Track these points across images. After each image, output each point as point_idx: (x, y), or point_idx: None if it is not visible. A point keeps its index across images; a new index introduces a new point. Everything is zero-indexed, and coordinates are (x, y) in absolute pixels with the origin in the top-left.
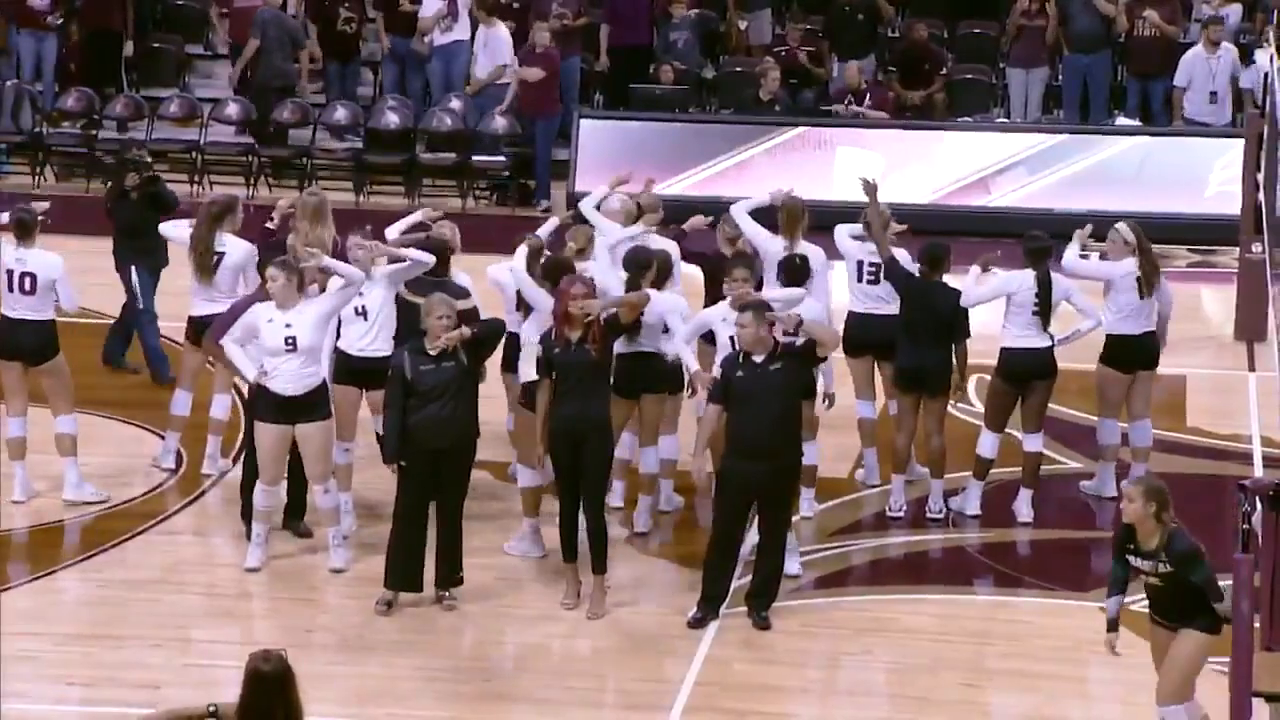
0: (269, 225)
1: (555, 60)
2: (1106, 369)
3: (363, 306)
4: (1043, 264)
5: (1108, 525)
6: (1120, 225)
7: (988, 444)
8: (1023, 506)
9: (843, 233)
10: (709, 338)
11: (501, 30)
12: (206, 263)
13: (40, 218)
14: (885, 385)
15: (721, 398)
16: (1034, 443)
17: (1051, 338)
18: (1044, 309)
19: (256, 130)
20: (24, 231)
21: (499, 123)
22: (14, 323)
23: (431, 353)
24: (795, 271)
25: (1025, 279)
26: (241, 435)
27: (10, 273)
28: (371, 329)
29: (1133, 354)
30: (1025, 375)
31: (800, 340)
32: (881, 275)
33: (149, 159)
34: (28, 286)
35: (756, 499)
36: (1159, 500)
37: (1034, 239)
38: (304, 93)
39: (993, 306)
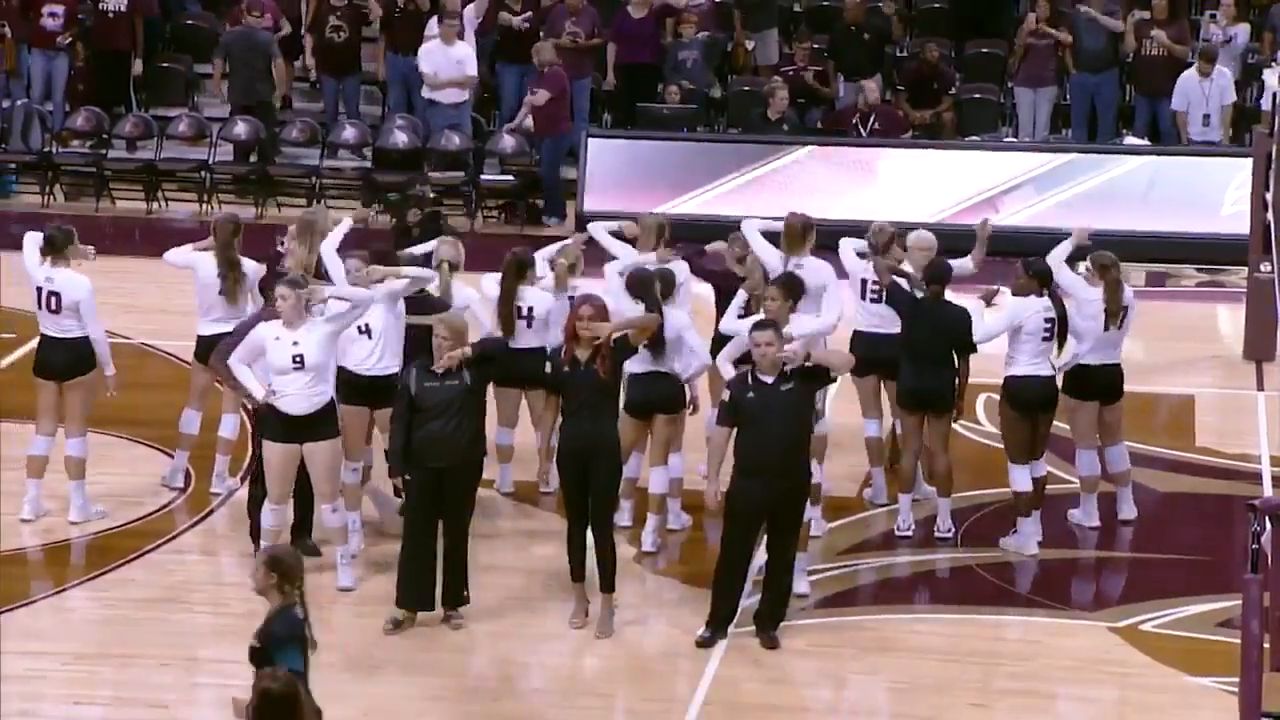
0: (280, 248)
1: (563, 79)
2: (1069, 399)
3: (366, 325)
4: (1050, 288)
5: (1117, 546)
6: (1091, 254)
7: (1020, 478)
8: (1034, 541)
9: (847, 249)
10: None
11: (466, 49)
12: (236, 280)
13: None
14: (892, 404)
15: (731, 419)
16: (1039, 468)
17: (1052, 366)
18: (1059, 335)
19: (263, 149)
20: (52, 249)
21: (507, 142)
22: (49, 341)
23: (436, 371)
24: (790, 289)
25: (1034, 306)
26: (250, 454)
27: (40, 290)
28: (376, 347)
29: (1094, 383)
30: (1032, 405)
31: (810, 360)
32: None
33: (432, 194)
34: (54, 306)
35: (766, 519)
36: (280, 570)
37: (1035, 263)
38: (280, 106)
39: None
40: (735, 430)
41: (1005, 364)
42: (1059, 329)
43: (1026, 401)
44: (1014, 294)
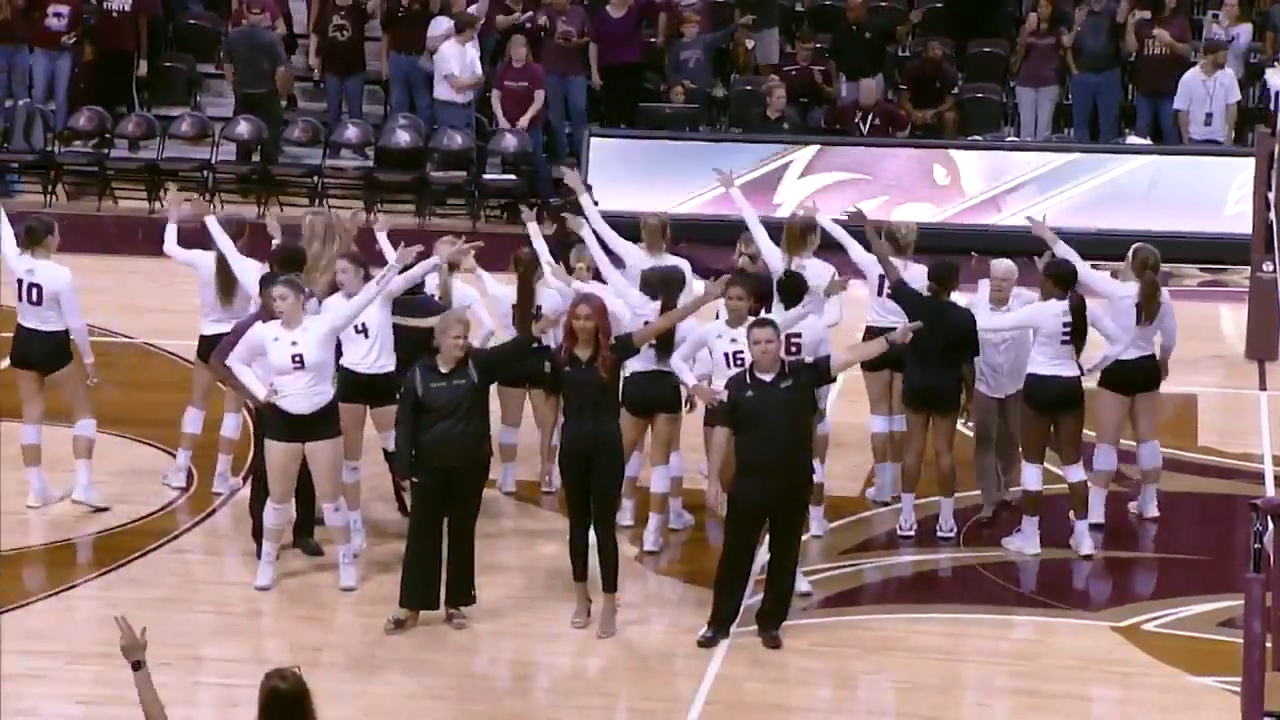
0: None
1: (538, 74)
2: (1104, 391)
3: (362, 324)
4: (1070, 290)
5: (1120, 545)
6: (1134, 247)
7: (1032, 477)
8: (1084, 540)
9: (855, 244)
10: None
11: (474, 50)
12: (231, 284)
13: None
14: (895, 401)
15: (731, 419)
16: (1076, 473)
17: (1080, 367)
18: (1078, 337)
19: (265, 149)
20: (32, 240)
21: (509, 141)
22: (27, 332)
23: (443, 370)
24: (788, 290)
25: (1054, 309)
26: (251, 454)
27: (20, 282)
28: (373, 346)
29: (1130, 378)
30: (1054, 405)
31: (809, 357)
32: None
33: (595, 202)
34: (34, 297)
35: (768, 518)
36: None
37: (1059, 264)
38: (282, 106)
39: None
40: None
41: (1029, 363)
42: (1077, 333)
43: (1045, 401)
44: (1041, 296)
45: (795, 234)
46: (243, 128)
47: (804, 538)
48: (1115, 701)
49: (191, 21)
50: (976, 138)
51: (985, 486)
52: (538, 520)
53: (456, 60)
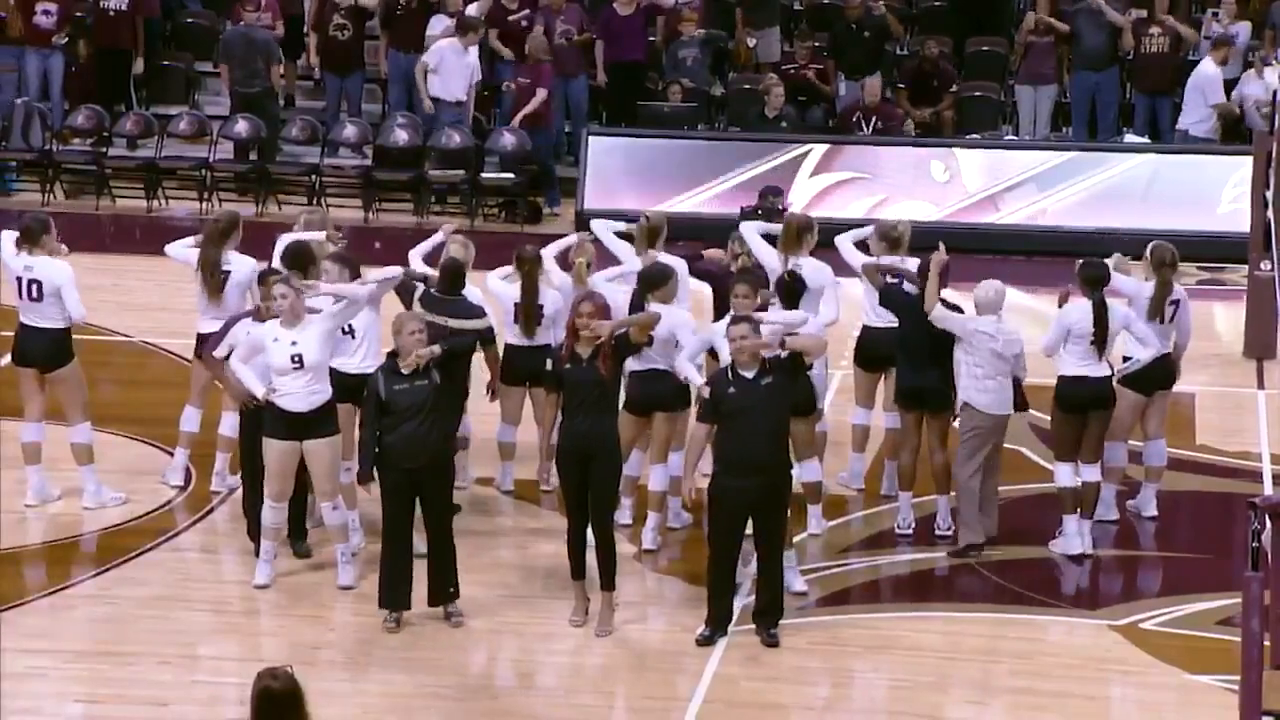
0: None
1: (548, 74)
2: (1125, 391)
3: (350, 325)
4: (1098, 292)
5: (1118, 544)
6: (1151, 244)
7: (1065, 474)
8: (1077, 540)
9: (847, 246)
10: (714, 353)
11: (474, 55)
12: (215, 281)
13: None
14: (885, 400)
15: (712, 416)
16: (1094, 473)
17: (1111, 368)
18: (1100, 338)
19: (263, 147)
20: (28, 238)
21: (507, 139)
22: (28, 330)
23: (404, 371)
24: (788, 290)
25: (1083, 308)
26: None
27: (19, 279)
28: (360, 346)
29: (1152, 377)
30: (1083, 405)
31: (785, 352)
32: (879, 303)
33: (781, 207)
34: (35, 294)
35: (751, 515)
36: None
37: (1090, 266)
38: (277, 104)
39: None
40: (716, 427)
41: (1057, 364)
42: (1098, 334)
43: (1077, 402)
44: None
45: (792, 233)
46: (241, 126)
47: (802, 536)
48: (1114, 700)
49: (189, 20)
50: (975, 136)
51: (969, 514)
52: (536, 519)
53: (437, 56)
